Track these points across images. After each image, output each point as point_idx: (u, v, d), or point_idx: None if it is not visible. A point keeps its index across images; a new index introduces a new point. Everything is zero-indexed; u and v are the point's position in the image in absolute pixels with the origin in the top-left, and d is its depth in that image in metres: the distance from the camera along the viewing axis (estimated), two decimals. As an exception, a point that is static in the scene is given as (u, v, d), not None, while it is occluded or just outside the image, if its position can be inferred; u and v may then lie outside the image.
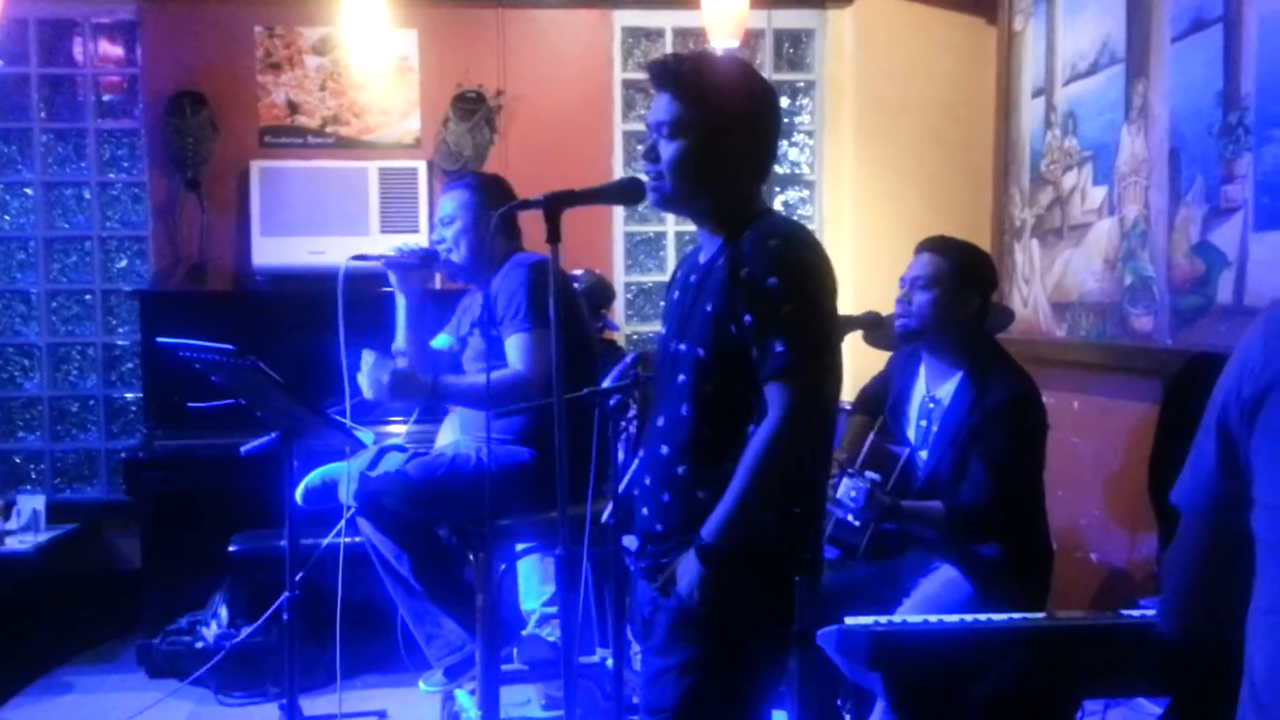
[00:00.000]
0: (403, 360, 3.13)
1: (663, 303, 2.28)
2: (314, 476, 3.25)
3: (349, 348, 3.09)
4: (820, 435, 2.05)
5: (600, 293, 4.46)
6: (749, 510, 1.96)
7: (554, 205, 2.06)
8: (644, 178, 2.11)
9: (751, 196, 2.13)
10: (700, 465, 2.03)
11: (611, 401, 2.83)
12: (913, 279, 2.92)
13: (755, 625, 2.03)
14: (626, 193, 2.16)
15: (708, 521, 1.98)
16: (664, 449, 2.08)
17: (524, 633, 3.47)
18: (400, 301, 3.21)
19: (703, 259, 2.14)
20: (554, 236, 2.06)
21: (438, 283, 3.60)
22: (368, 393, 3.03)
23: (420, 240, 4.09)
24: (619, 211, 5.23)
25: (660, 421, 2.10)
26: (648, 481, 2.13)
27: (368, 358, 3.02)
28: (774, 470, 1.95)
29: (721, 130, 2.04)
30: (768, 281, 1.96)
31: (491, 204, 3.18)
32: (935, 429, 2.90)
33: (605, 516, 2.70)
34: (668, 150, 2.05)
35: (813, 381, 1.96)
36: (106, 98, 5.16)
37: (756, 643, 2.04)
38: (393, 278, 3.19)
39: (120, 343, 5.17)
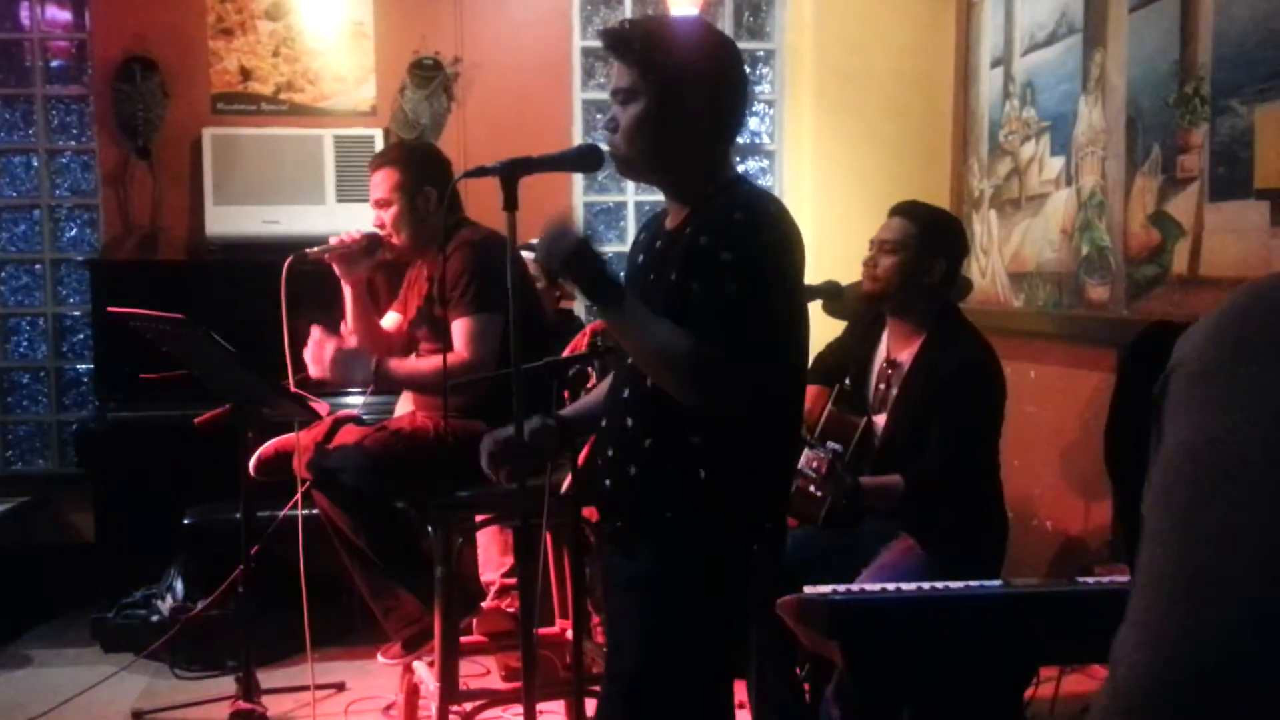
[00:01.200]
0: (351, 339, 3.09)
1: (623, 271, 2.25)
2: (268, 447, 3.21)
3: (300, 317, 3.04)
4: (718, 410, 1.98)
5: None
6: (637, 334, 1.96)
7: (511, 172, 2.03)
8: (604, 146, 2.09)
9: (718, 162, 2.09)
10: (667, 438, 2.02)
11: (571, 371, 2.81)
12: (880, 241, 2.93)
13: (715, 593, 2.02)
14: (585, 160, 2.13)
15: (617, 283, 1.96)
16: (629, 421, 2.06)
17: (483, 604, 3.46)
18: (347, 291, 3.16)
19: (668, 225, 2.11)
20: (510, 204, 2.03)
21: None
22: (313, 370, 2.99)
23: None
24: (578, 181, 5.19)
25: (625, 393, 2.09)
26: (611, 453, 2.11)
27: (315, 334, 2.97)
28: (661, 360, 1.94)
29: (674, 91, 1.99)
30: (721, 255, 1.94)
31: (425, 179, 3.12)
32: (895, 392, 2.91)
33: (564, 488, 2.68)
34: (623, 116, 2.02)
35: (729, 372, 1.91)
36: (54, 63, 5.06)
37: (717, 610, 2.03)
38: (336, 269, 3.14)
39: (71, 313, 5.09)
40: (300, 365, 3.01)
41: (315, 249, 3.12)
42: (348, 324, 3.20)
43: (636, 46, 2.01)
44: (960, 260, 3.02)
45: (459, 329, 3.00)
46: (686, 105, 2.00)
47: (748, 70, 5.33)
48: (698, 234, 1.98)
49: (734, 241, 1.94)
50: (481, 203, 3.24)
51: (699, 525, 2.01)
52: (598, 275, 1.93)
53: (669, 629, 2.02)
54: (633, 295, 1.99)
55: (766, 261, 1.96)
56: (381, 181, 3.16)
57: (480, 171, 2.10)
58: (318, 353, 2.96)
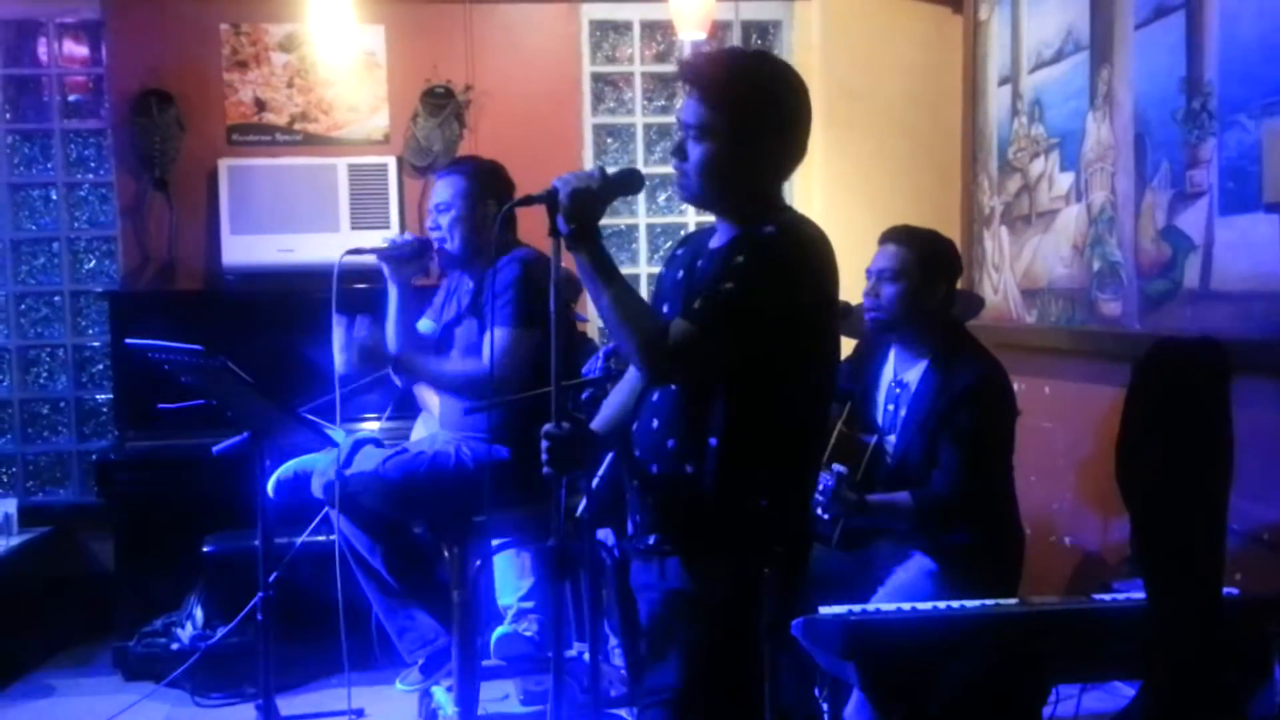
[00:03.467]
0: (361, 330, 3.11)
1: (654, 283, 2.30)
2: (286, 468, 3.23)
3: (318, 343, 3.08)
4: (664, 378, 2.07)
5: (568, 286, 4.45)
6: (608, 299, 2.01)
7: (556, 200, 2.06)
8: (669, 171, 2.15)
9: (775, 194, 2.17)
10: (687, 439, 2.06)
11: (585, 395, 2.83)
12: (879, 271, 2.93)
13: (741, 612, 2.06)
14: (628, 184, 2.17)
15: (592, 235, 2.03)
16: (655, 423, 2.12)
17: (500, 629, 3.47)
18: (392, 291, 3.20)
19: (713, 244, 2.18)
20: (555, 230, 2.06)
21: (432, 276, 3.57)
22: (338, 365, 3.03)
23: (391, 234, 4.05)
24: (611, 205, 5.20)
25: (655, 397, 2.14)
26: (638, 453, 2.16)
27: (337, 330, 3.01)
28: (629, 332, 2.00)
29: (747, 135, 2.07)
30: (736, 260, 2.02)
31: (489, 192, 3.17)
32: (903, 413, 2.92)
33: (580, 511, 2.69)
34: (695, 152, 2.08)
35: (689, 346, 1.98)
36: (72, 98, 5.12)
37: (745, 628, 2.06)
38: (386, 269, 3.18)
39: (90, 344, 5.14)
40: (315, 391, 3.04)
41: (367, 247, 3.17)
42: (389, 329, 3.22)
43: (715, 85, 2.07)
44: (957, 279, 3.03)
45: (492, 339, 3.03)
46: (757, 148, 2.08)
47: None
48: (736, 253, 2.05)
49: (753, 249, 2.02)
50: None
51: (718, 540, 2.05)
52: (593, 219, 2.03)
53: (710, 640, 2.06)
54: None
55: (772, 274, 2.01)
56: (447, 187, 3.22)
57: (527, 200, 2.13)
58: (338, 347, 3.02)
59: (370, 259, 3.15)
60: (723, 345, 1.99)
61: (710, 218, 2.27)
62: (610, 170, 2.11)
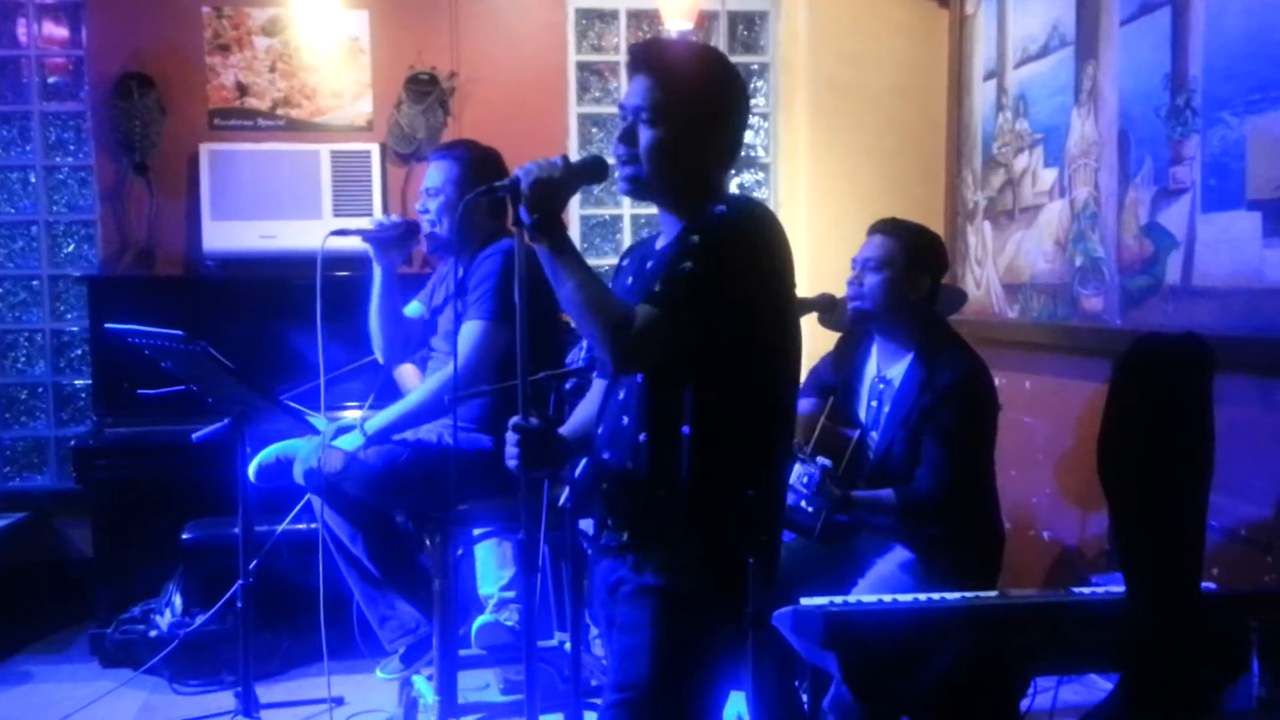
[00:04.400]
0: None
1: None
2: (268, 453, 3.22)
3: (300, 330, 3.07)
4: (631, 364, 2.04)
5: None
6: (571, 288, 1.99)
7: (518, 191, 2.04)
8: (609, 159, 2.12)
9: (719, 183, 2.16)
10: (660, 430, 2.05)
11: (569, 385, 2.82)
12: (864, 260, 2.94)
13: (716, 604, 2.04)
14: (591, 172, 2.15)
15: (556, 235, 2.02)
16: (625, 420, 2.10)
17: (481, 618, 3.47)
18: (377, 273, 3.18)
19: (660, 245, 2.17)
20: (519, 220, 2.05)
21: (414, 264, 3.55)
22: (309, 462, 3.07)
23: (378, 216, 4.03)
24: (575, 194, 5.20)
25: (621, 395, 2.13)
26: (608, 455, 2.14)
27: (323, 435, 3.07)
28: (594, 320, 1.97)
29: (700, 120, 2.07)
30: (691, 239, 2.00)
31: (480, 180, 3.14)
32: (886, 409, 2.92)
33: (562, 501, 2.69)
34: (646, 136, 2.06)
35: (653, 330, 1.95)
36: (51, 80, 5.07)
37: (718, 622, 2.05)
38: (371, 251, 3.16)
39: (69, 329, 5.10)
40: (329, 366, 3.03)
41: (353, 229, 3.15)
42: (372, 311, 3.21)
43: (671, 70, 2.06)
44: (942, 275, 3.03)
45: (468, 330, 3.02)
46: (707, 133, 2.08)
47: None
48: (691, 234, 2.03)
49: (706, 227, 2.00)
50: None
51: (696, 532, 2.03)
52: (555, 209, 2.02)
53: (676, 636, 2.03)
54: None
55: (731, 247, 1.99)
56: (439, 172, 3.20)
57: (490, 190, 2.12)
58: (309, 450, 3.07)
59: (356, 241, 3.13)
60: (689, 325, 1.97)
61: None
62: (574, 159, 2.09)
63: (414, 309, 3.33)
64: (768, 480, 2.12)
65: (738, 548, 2.04)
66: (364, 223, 3.20)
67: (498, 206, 3.16)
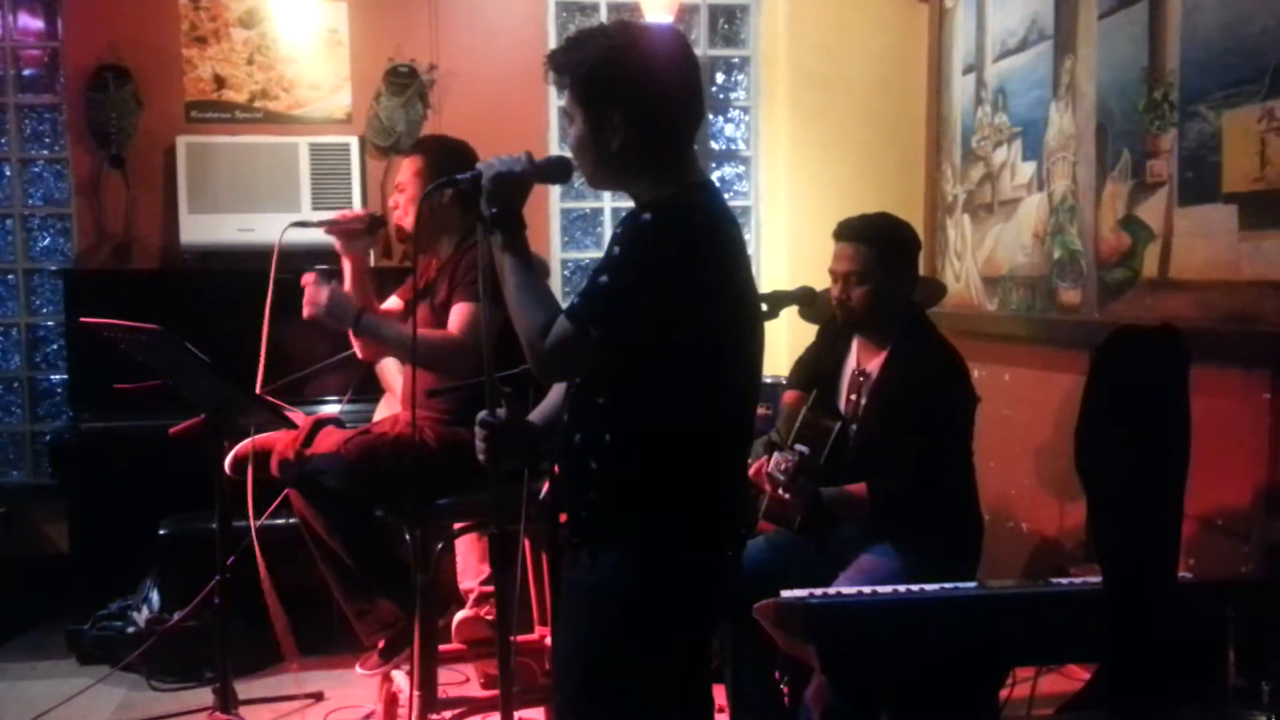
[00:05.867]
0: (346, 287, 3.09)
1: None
2: (244, 445, 3.19)
3: (279, 324, 3.05)
4: (545, 375, 2.05)
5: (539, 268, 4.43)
6: (509, 288, 1.99)
7: (479, 184, 2.04)
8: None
9: (676, 165, 2.05)
10: (588, 435, 2.02)
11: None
12: (845, 274, 2.93)
13: (644, 607, 1.99)
14: (553, 171, 2.14)
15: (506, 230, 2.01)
16: (564, 417, 2.10)
17: (461, 612, 3.46)
18: (345, 267, 3.17)
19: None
20: (479, 215, 2.04)
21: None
22: (306, 311, 3.00)
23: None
24: (554, 187, 5.20)
25: (571, 391, 2.11)
26: (560, 450, 2.12)
27: (308, 278, 2.99)
28: (520, 325, 1.98)
29: (601, 110, 1.99)
30: (613, 249, 1.97)
31: (445, 173, 3.13)
32: (865, 402, 2.93)
33: (542, 494, 2.69)
34: (569, 138, 2.06)
35: (575, 352, 1.93)
36: (26, 71, 5.03)
37: (646, 624, 1.99)
38: (336, 244, 3.15)
39: (45, 323, 5.06)
40: (280, 373, 3.01)
41: (314, 220, 3.14)
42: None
43: (567, 69, 2.02)
44: (918, 257, 3.04)
45: (459, 311, 3.01)
46: (617, 121, 1.99)
47: (723, 78, 5.40)
48: (614, 244, 1.99)
49: (627, 240, 1.96)
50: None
51: (623, 534, 1.99)
52: (515, 204, 2.00)
53: (603, 642, 2.00)
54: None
55: (649, 259, 1.92)
56: (407, 166, 3.20)
57: (451, 183, 2.11)
58: (312, 294, 2.98)
59: (319, 232, 3.12)
60: (601, 341, 1.91)
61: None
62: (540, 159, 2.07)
63: (392, 302, 3.32)
64: (702, 486, 2.02)
65: (668, 551, 1.99)
66: (328, 215, 3.18)
67: (469, 200, 3.14)
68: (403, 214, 3.17)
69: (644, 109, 1.99)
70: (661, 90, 2.01)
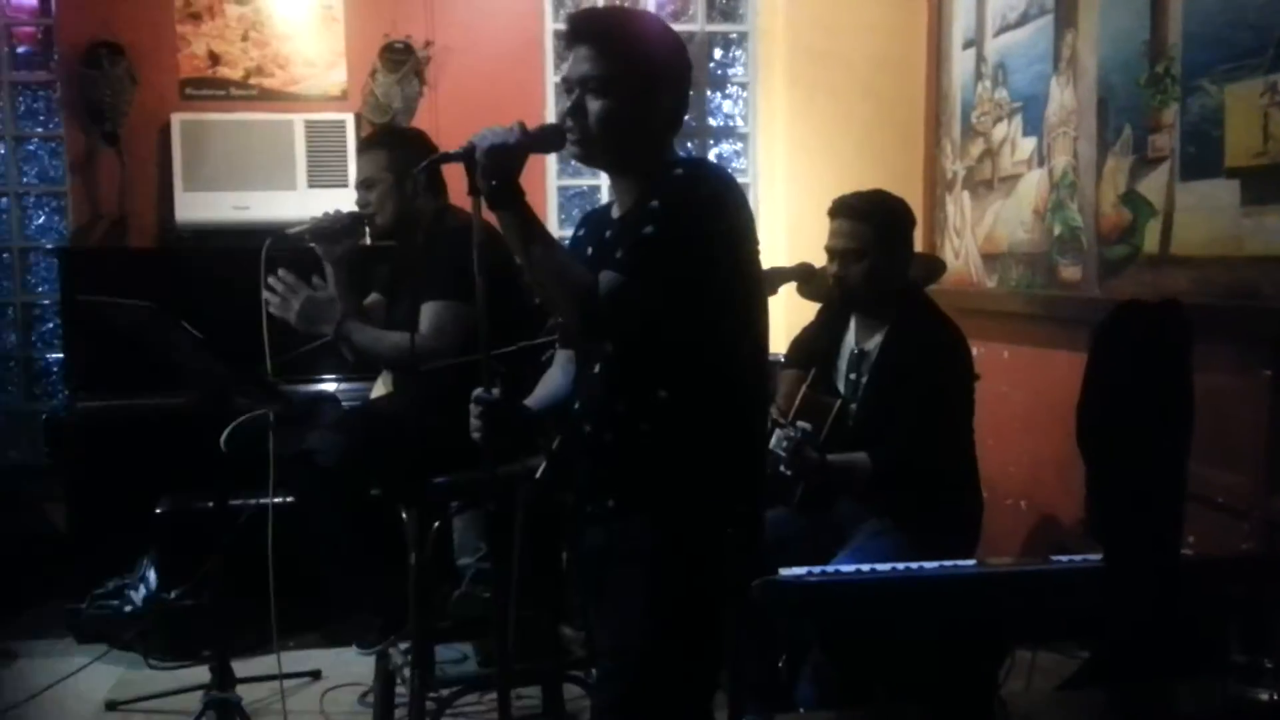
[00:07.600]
0: (321, 288, 3.05)
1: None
2: (241, 422, 3.18)
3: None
4: (598, 331, 2.05)
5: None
6: (535, 256, 1.98)
7: (474, 157, 2.01)
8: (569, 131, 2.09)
9: (669, 147, 2.15)
10: (637, 398, 2.04)
11: (545, 356, 2.79)
12: (842, 252, 2.92)
13: (704, 567, 2.05)
14: (548, 140, 2.12)
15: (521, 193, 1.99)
16: (602, 391, 2.09)
17: (459, 590, 3.46)
18: (329, 271, 3.14)
19: (615, 213, 2.14)
20: (475, 188, 2.02)
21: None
22: (280, 312, 2.97)
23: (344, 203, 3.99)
24: (551, 164, 5.17)
25: (596, 368, 2.11)
26: (589, 429, 2.13)
27: (286, 278, 2.95)
28: (561, 286, 1.98)
29: (646, 87, 2.05)
30: (652, 203, 2.00)
31: (414, 161, 3.10)
32: (864, 380, 2.92)
33: (540, 473, 2.68)
34: (594, 107, 2.04)
35: (622, 297, 1.95)
36: (20, 49, 4.99)
37: (707, 584, 2.06)
38: (318, 249, 3.12)
39: (40, 302, 5.04)
40: (277, 350, 2.98)
41: (294, 229, 3.10)
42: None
43: (613, 37, 2.04)
44: (913, 235, 3.02)
45: (428, 311, 2.99)
46: (656, 99, 2.07)
47: (720, 53, 5.36)
48: (650, 200, 2.02)
49: (666, 191, 2.00)
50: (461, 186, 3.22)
51: (681, 496, 2.03)
52: (512, 174, 1.97)
53: (668, 605, 2.04)
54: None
55: (690, 209, 1.99)
56: (370, 162, 3.16)
57: (445, 158, 2.09)
58: (285, 296, 2.95)
59: (300, 239, 3.08)
60: (653, 289, 1.96)
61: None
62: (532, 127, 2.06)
63: (374, 299, 3.30)
64: (747, 440, 2.11)
65: (722, 510, 2.05)
66: (304, 223, 3.12)
67: (435, 180, 3.12)
68: (378, 209, 3.12)
69: (681, 94, 2.13)
70: (689, 76, 2.14)
